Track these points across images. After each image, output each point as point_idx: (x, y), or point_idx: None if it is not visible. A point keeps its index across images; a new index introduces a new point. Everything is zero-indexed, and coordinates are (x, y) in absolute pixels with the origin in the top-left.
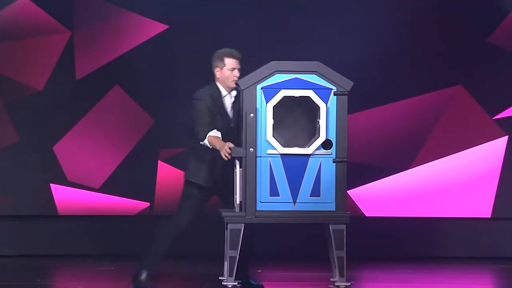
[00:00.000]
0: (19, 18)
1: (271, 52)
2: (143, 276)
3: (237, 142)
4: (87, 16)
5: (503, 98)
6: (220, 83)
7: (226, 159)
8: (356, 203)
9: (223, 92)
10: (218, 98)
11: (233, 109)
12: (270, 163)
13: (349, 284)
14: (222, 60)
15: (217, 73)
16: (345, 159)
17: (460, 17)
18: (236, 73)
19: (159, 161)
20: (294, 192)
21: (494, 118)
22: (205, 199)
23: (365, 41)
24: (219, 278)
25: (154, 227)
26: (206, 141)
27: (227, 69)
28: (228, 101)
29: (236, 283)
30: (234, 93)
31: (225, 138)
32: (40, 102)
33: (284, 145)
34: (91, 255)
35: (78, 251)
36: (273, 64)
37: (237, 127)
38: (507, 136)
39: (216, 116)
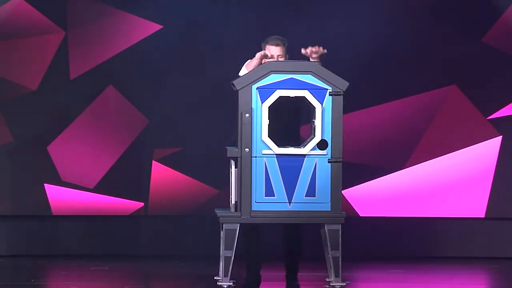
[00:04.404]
0: (13, 18)
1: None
2: None
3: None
4: (81, 16)
5: (497, 98)
6: None
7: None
8: (350, 203)
9: None
10: None
11: None
12: (265, 163)
13: (344, 284)
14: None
15: None
16: (341, 159)
17: (454, 17)
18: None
19: (153, 161)
20: (290, 192)
21: (488, 118)
22: None
23: (359, 41)
24: (215, 278)
25: (148, 227)
26: None
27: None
28: None
29: (231, 283)
30: None
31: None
32: (34, 102)
33: (279, 145)
34: (85, 255)
35: (72, 251)
36: (268, 64)
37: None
38: (501, 136)
39: None
